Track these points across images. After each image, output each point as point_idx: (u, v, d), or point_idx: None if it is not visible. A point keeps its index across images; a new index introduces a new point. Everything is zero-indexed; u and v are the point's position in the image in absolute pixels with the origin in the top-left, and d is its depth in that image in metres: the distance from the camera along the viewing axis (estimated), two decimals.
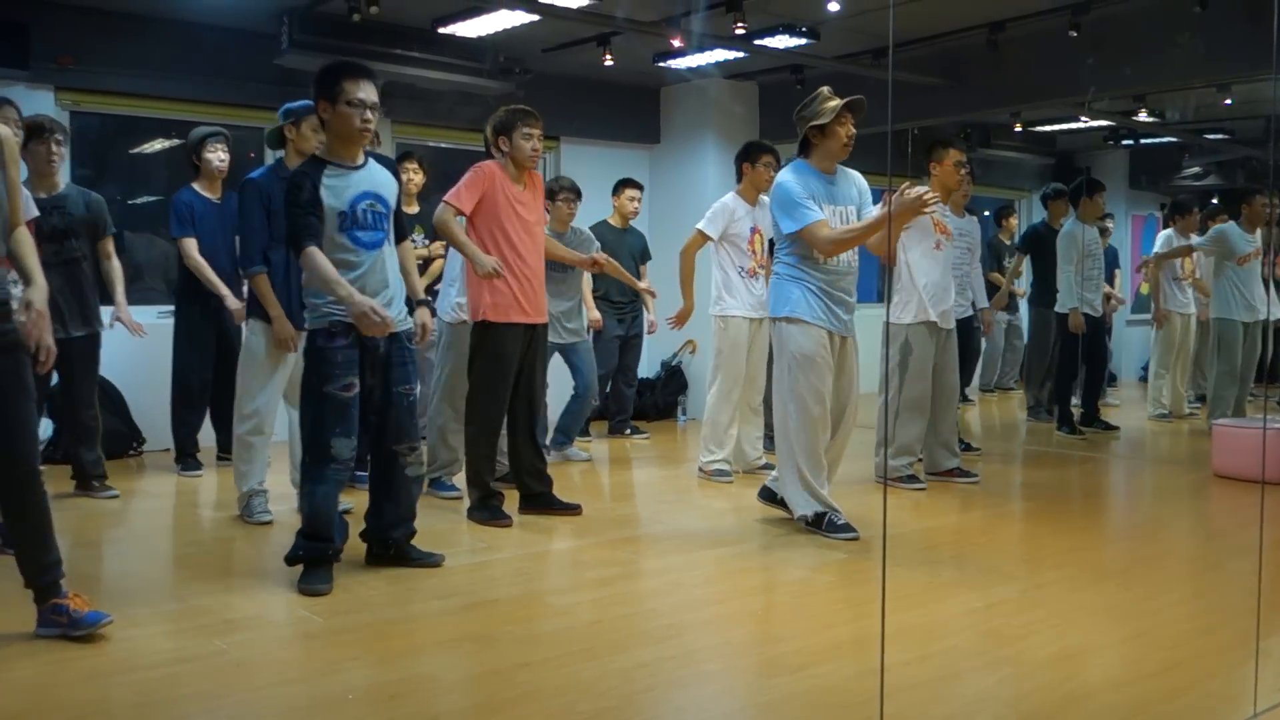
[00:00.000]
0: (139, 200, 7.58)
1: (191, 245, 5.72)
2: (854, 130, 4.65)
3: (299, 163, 4.71)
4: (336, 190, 3.78)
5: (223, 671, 3.05)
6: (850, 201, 4.75)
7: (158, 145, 7.38)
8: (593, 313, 6.92)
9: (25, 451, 3.16)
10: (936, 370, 5.75)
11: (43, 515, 3.22)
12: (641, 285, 6.57)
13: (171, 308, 6.07)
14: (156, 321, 6.04)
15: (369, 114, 3.80)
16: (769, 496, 5.08)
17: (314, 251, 3.72)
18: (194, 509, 5.37)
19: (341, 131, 3.80)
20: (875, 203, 4.93)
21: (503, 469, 5.33)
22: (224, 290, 5.66)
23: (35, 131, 4.90)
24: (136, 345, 5.82)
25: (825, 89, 4.72)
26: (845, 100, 4.59)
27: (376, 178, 3.91)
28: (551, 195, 6.01)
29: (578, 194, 6.26)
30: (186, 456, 6.00)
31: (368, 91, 3.80)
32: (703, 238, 5.90)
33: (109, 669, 3.05)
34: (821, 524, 4.67)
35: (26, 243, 3.22)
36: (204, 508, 5.38)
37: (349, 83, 3.76)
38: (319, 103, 3.81)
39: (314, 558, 3.84)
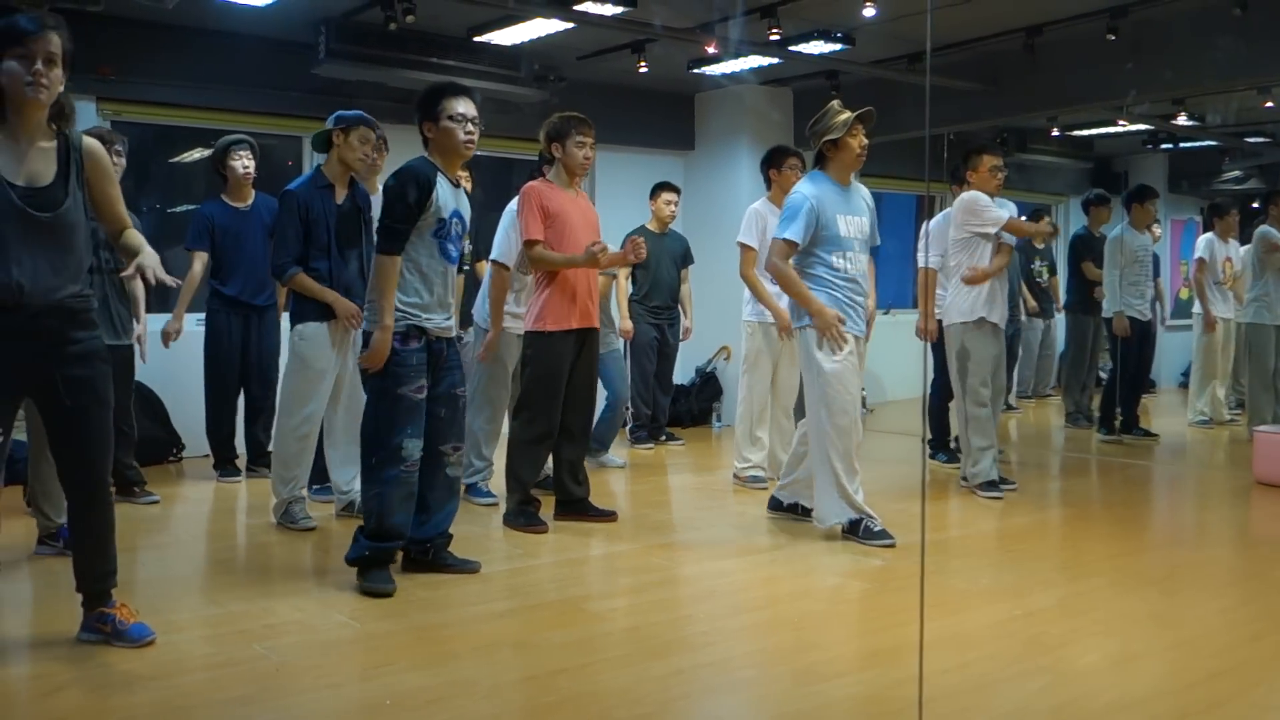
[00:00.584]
0: (178, 209, 7.68)
1: (198, 259, 5.81)
2: (866, 140, 4.76)
3: (339, 171, 4.79)
4: (443, 198, 3.91)
5: (262, 676, 3.08)
6: (863, 214, 4.86)
7: (196, 155, 7.47)
8: (625, 322, 6.90)
9: (98, 460, 3.21)
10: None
11: (107, 523, 3.28)
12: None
13: (202, 314, 6.12)
14: (197, 329, 6.09)
15: (471, 127, 3.93)
16: (776, 506, 5.16)
17: (395, 262, 3.82)
18: (232, 515, 5.43)
19: (447, 146, 3.94)
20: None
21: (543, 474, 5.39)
22: (183, 314, 5.76)
23: None
24: (175, 352, 5.89)
25: (835, 102, 4.82)
26: (856, 113, 4.70)
27: (463, 200, 4.09)
28: None
29: None
30: (225, 463, 6.06)
31: (468, 107, 3.93)
32: (749, 249, 5.85)
33: (150, 673, 3.08)
34: (858, 530, 4.66)
35: (134, 233, 3.27)
36: (242, 513, 5.43)
37: (449, 99, 3.91)
38: (423, 124, 3.94)
39: (380, 558, 3.89)
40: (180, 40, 6.59)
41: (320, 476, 5.19)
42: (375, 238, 3.94)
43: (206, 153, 7.37)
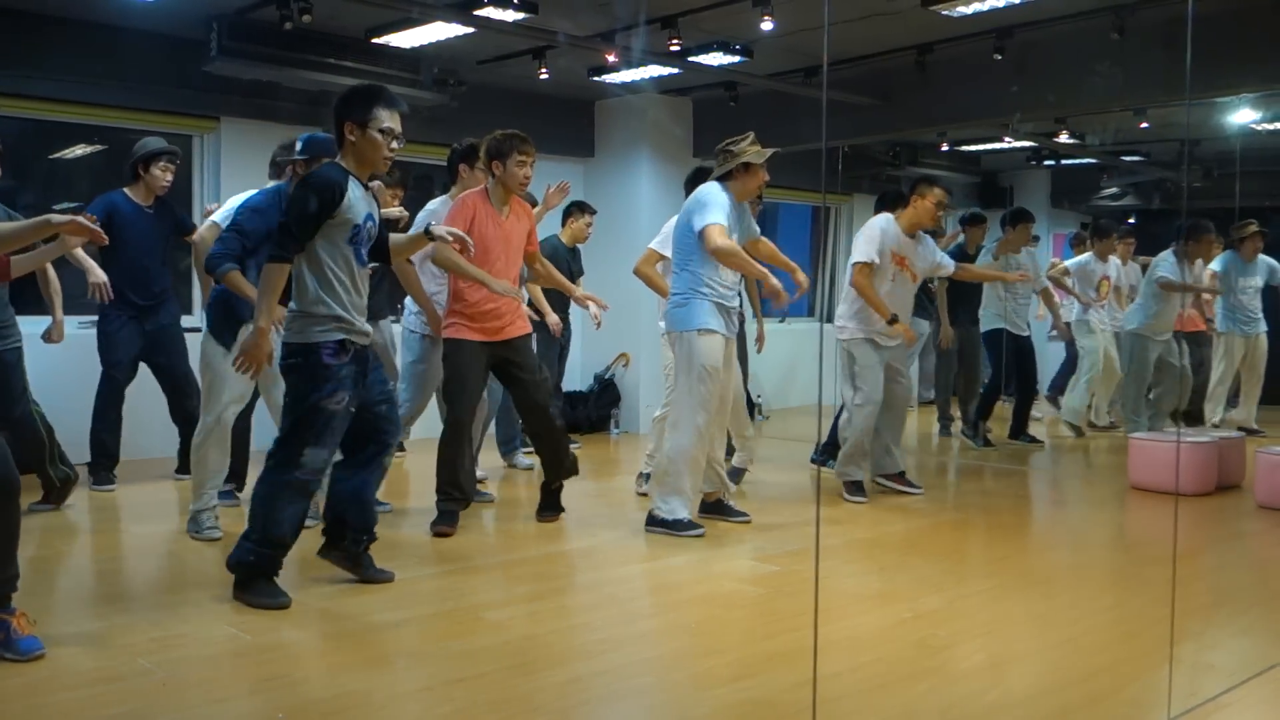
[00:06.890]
0: (59, 207, 7.40)
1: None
2: (768, 177, 5.07)
3: None
4: (355, 204, 3.77)
5: (148, 691, 2.99)
6: (739, 234, 5.05)
7: (79, 151, 7.23)
8: (551, 315, 6.62)
9: (2, 455, 3.09)
10: (885, 378, 5.90)
11: (12, 528, 3.16)
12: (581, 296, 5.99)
13: (93, 318, 5.91)
14: (77, 332, 5.88)
15: (395, 145, 3.83)
16: (705, 509, 5.22)
17: (285, 269, 3.70)
18: (116, 524, 5.25)
19: (368, 156, 3.80)
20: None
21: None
22: (94, 270, 5.40)
23: None
24: (55, 356, 5.66)
25: (751, 134, 5.03)
26: (771, 151, 4.95)
27: (372, 201, 3.96)
28: None
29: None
30: (103, 470, 5.80)
31: (396, 122, 3.82)
32: (657, 256, 5.85)
33: (31, 689, 2.97)
34: (665, 524, 4.94)
35: None
36: (127, 522, 5.26)
37: (383, 110, 3.78)
38: (346, 124, 3.78)
39: (265, 567, 3.78)
40: (65, 33, 6.36)
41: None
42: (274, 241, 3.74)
43: (91, 149, 7.15)
